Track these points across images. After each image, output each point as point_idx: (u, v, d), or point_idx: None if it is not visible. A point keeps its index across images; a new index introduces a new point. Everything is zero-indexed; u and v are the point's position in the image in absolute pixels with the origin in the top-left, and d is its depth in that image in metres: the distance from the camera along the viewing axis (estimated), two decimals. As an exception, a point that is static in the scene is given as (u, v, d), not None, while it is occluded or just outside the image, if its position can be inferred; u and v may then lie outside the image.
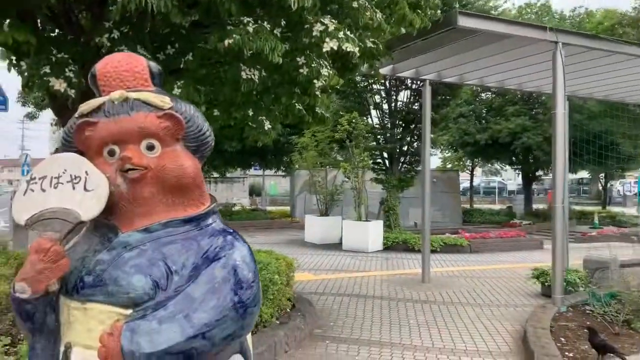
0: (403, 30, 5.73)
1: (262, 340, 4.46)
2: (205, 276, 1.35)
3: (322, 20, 4.11)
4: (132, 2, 3.17)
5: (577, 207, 23.07)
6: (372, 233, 12.10)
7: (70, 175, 1.39)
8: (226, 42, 3.77)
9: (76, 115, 1.46)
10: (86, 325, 1.36)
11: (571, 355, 4.54)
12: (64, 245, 1.37)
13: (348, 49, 4.03)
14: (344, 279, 8.51)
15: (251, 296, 1.38)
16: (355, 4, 4.36)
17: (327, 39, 3.98)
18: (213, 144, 1.58)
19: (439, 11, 6.32)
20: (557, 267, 6.29)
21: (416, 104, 14.88)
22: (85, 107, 1.44)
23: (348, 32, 4.13)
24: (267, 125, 5.33)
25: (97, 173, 1.39)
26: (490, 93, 21.11)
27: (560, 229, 6.32)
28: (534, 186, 26.31)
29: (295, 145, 15.13)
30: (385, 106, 15.41)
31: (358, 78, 13.37)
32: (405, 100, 15.25)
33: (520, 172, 23.66)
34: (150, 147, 1.42)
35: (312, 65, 4.32)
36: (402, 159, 15.23)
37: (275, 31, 4.03)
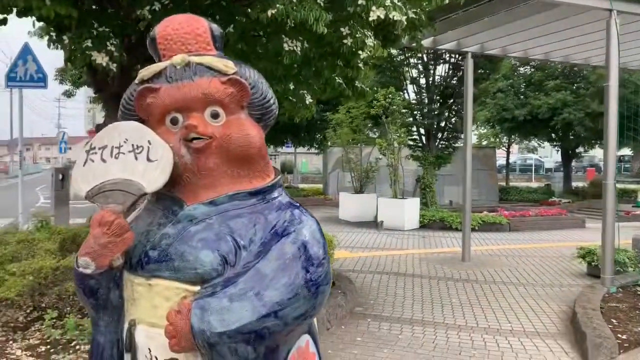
0: (447, 1, 5.50)
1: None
2: (275, 252, 1.27)
3: (367, -13, 3.94)
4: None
5: (619, 185, 22.30)
6: (409, 211, 11.93)
7: (132, 145, 1.31)
8: (269, 12, 3.67)
9: (136, 81, 1.38)
10: (151, 302, 1.30)
11: (624, 337, 4.36)
12: (126, 218, 1.30)
13: (395, 18, 3.86)
14: (381, 256, 8.43)
15: (322, 274, 1.30)
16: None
17: (374, 7, 3.81)
18: (277, 112, 1.48)
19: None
20: (607, 246, 6.04)
21: (455, 79, 14.50)
22: (145, 72, 1.35)
23: (395, 0, 3.94)
24: (309, 99, 5.20)
25: (161, 142, 1.31)
26: (529, 67, 20.42)
27: (611, 207, 6.05)
28: (573, 164, 25.54)
29: (330, 122, 14.97)
30: (423, 81, 15.06)
31: (394, 52, 13.04)
32: (443, 74, 14.86)
33: (560, 149, 22.95)
34: (215, 115, 1.33)
35: (357, 35, 4.16)
36: (439, 135, 14.92)
37: (318, 0, 3.90)
